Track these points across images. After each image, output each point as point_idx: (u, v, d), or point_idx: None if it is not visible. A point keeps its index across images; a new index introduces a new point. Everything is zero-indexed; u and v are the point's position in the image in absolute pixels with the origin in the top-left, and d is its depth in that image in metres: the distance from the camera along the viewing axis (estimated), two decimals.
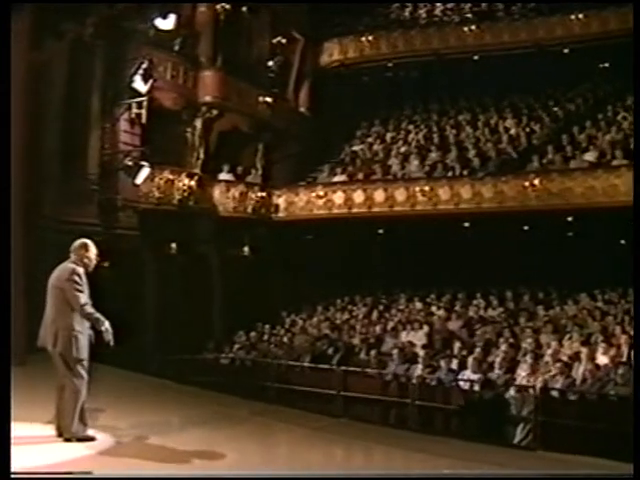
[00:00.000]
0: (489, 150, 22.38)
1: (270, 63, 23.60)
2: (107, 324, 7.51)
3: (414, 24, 25.69)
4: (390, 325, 19.03)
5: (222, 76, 21.44)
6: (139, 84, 17.48)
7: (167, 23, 17.98)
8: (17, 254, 12.91)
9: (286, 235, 22.68)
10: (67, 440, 7.41)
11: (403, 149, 24.24)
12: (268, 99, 23.00)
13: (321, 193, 22.47)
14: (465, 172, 21.48)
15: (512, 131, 23.25)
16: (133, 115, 18.31)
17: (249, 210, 22.29)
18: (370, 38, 25.34)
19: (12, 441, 7.43)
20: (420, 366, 15.13)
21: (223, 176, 22.26)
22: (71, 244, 7.84)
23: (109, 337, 7.49)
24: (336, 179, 23.41)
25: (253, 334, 19.62)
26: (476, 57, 24.30)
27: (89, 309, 7.48)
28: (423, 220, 20.90)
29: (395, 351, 16.16)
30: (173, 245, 20.34)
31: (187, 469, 6.70)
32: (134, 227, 18.75)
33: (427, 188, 20.93)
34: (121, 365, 13.20)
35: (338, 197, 22.21)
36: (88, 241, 7.75)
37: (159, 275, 19.84)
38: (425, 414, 13.68)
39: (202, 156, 21.53)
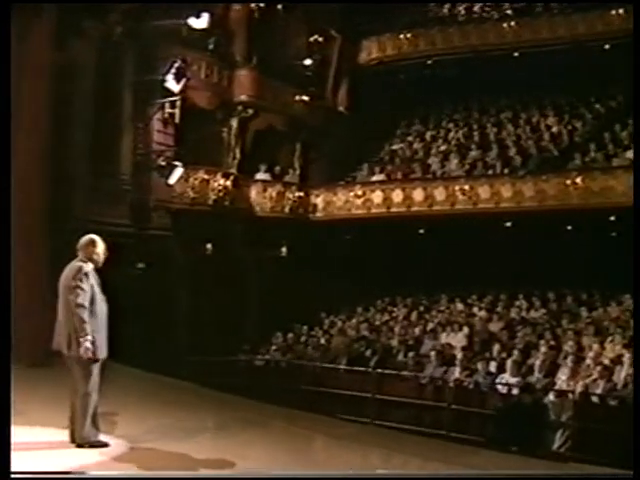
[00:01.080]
0: (530, 148, 21.93)
1: (307, 62, 23.25)
2: (89, 340, 7.06)
3: (452, 21, 25.28)
4: (430, 326, 18.70)
5: (257, 75, 21.32)
6: (172, 83, 17.31)
7: (200, 22, 17.78)
8: (44, 255, 12.85)
9: (325, 235, 22.36)
10: (79, 446, 7.18)
11: (443, 147, 23.91)
12: (304, 98, 22.83)
13: (359, 192, 22.21)
14: (506, 170, 21.05)
15: (554, 129, 22.82)
16: (166, 115, 18.26)
17: (286, 210, 22.08)
18: (408, 35, 24.96)
19: (26, 446, 7.35)
20: (458, 369, 14.79)
21: (260, 176, 22.08)
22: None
23: (87, 353, 7.07)
24: (375, 178, 23.09)
25: (290, 335, 19.43)
26: (516, 54, 23.74)
27: (82, 312, 7.09)
28: (463, 219, 20.49)
29: (433, 353, 15.87)
30: (208, 246, 20.18)
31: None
32: (167, 228, 18.66)
33: (467, 187, 20.56)
34: (149, 367, 13.04)
35: (377, 196, 21.91)
36: (95, 237, 7.49)
37: (193, 276, 19.67)
38: (461, 419, 13.35)
39: (238, 156, 21.45)
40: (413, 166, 23.11)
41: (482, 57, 24.03)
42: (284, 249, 22.34)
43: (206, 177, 19.73)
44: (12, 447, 7.15)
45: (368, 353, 17.29)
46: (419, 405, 14.29)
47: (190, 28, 18.01)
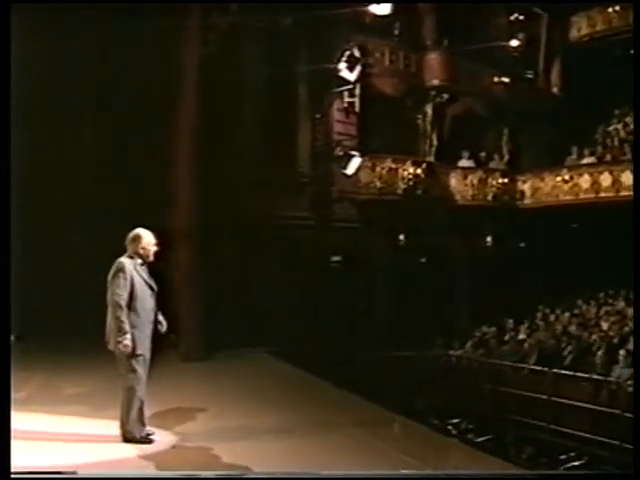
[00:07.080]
0: None
1: (514, 42, 21.93)
2: (127, 338, 6.95)
3: None
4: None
5: (450, 58, 20.44)
6: (345, 72, 17.07)
7: (383, 8, 17.38)
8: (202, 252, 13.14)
9: (534, 223, 21.07)
10: (127, 441, 7.13)
11: None
12: (505, 79, 21.59)
13: (567, 177, 20.80)
14: None
15: None
16: (345, 104, 17.96)
17: (489, 198, 21.10)
18: (617, 8, 22.69)
19: (77, 438, 7.42)
20: None
21: (463, 163, 21.28)
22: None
23: (127, 350, 6.95)
24: (584, 162, 21.47)
25: (491, 329, 18.52)
26: None
27: (118, 311, 6.97)
28: None
29: (622, 353, 14.44)
30: (401, 237, 19.65)
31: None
32: (351, 219, 18.38)
33: None
34: (311, 365, 12.70)
35: (584, 181, 20.37)
36: (141, 231, 7.31)
37: (387, 268, 19.23)
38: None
39: (435, 143, 20.76)
40: (624, 147, 21.14)
41: None
42: (489, 238, 21.33)
43: (394, 166, 19.20)
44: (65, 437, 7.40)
45: (566, 351, 16.07)
46: (593, 410, 13.11)
47: (374, 15, 17.71)
